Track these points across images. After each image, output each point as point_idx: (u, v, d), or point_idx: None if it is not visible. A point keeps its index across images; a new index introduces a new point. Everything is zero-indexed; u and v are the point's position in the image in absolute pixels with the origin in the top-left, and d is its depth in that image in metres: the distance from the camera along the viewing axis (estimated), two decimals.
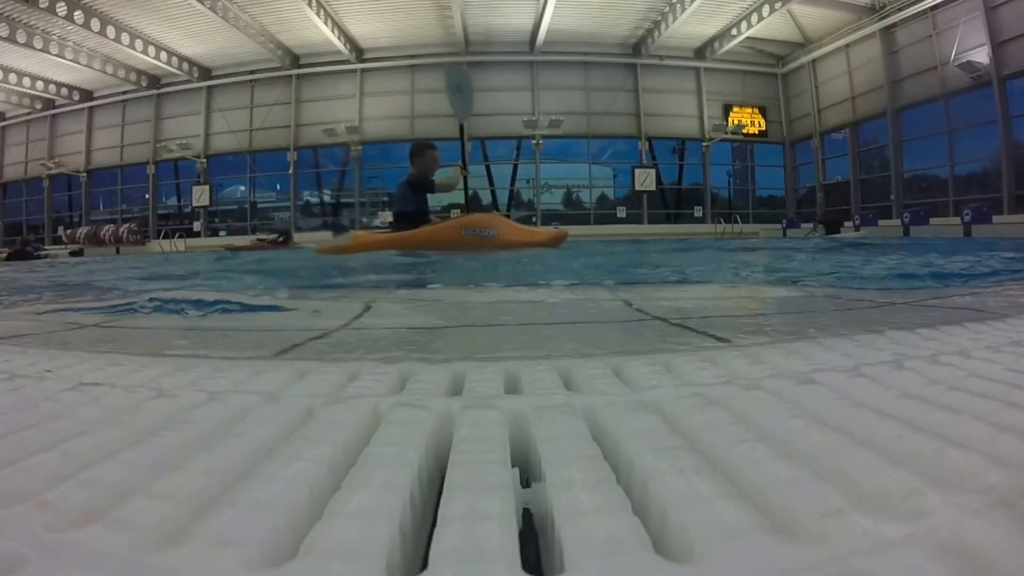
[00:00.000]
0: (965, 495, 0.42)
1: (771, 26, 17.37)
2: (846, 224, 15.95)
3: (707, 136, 20.32)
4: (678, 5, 16.15)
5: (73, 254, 15.87)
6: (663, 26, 17.39)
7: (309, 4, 15.22)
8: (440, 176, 5.61)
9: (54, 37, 16.24)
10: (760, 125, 21.00)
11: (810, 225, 16.13)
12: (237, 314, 1.86)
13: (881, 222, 15.28)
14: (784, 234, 16.92)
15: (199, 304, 1.91)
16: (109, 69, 18.71)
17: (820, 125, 19.77)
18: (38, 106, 21.37)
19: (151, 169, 21.17)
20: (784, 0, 15.66)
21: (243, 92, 20.43)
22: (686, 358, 0.90)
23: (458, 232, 5.04)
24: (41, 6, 13.78)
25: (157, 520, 0.41)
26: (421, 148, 5.49)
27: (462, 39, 18.35)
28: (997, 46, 14.07)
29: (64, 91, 20.57)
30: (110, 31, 15.85)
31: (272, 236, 14.03)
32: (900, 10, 16.03)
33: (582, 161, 20.39)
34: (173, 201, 22.10)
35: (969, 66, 14.47)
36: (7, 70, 18.29)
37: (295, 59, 19.66)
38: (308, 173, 20.95)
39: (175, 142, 20.08)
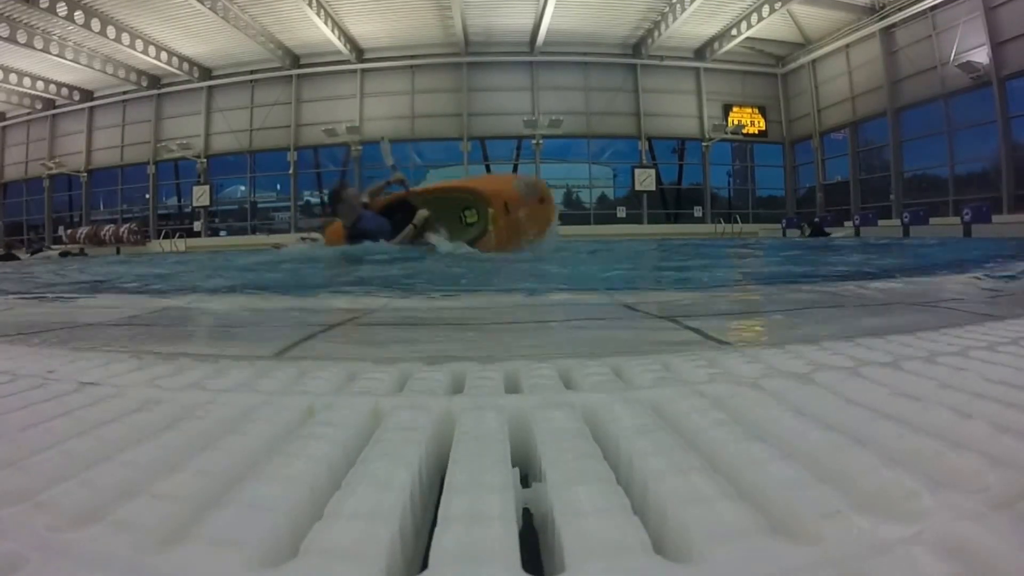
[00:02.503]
0: (965, 495, 0.42)
1: (771, 26, 17.36)
2: (846, 224, 15.97)
3: (707, 136, 20.31)
4: (678, 5, 16.15)
5: (74, 254, 15.84)
6: (663, 26, 17.38)
7: (309, 4, 15.21)
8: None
9: (54, 37, 16.23)
10: (760, 125, 20.98)
11: (805, 225, 16.32)
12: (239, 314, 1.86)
13: (881, 222, 15.28)
14: (784, 234, 16.96)
15: None
16: (109, 69, 18.70)
17: (820, 125, 19.76)
18: (38, 106, 21.35)
19: (151, 169, 21.16)
20: (784, 0, 15.65)
21: (243, 92, 20.42)
22: (686, 358, 0.90)
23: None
24: (41, 6, 13.77)
25: (157, 520, 0.41)
26: (337, 193, 4.73)
27: (462, 39, 18.33)
28: (997, 46, 14.06)
29: (64, 91, 20.56)
30: (110, 31, 15.84)
31: (315, 235, 14.14)
32: (900, 10, 16.02)
33: (582, 161, 20.38)
34: (173, 201, 22.08)
35: (969, 66, 14.46)
36: (7, 70, 18.27)
37: (295, 59, 19.65)
38: (308, 173, 20.94)
39: (175, 142, 20.07)
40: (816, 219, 16.09)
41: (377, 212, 4.82)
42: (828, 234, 14.20)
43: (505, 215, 4.65)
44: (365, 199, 4.86)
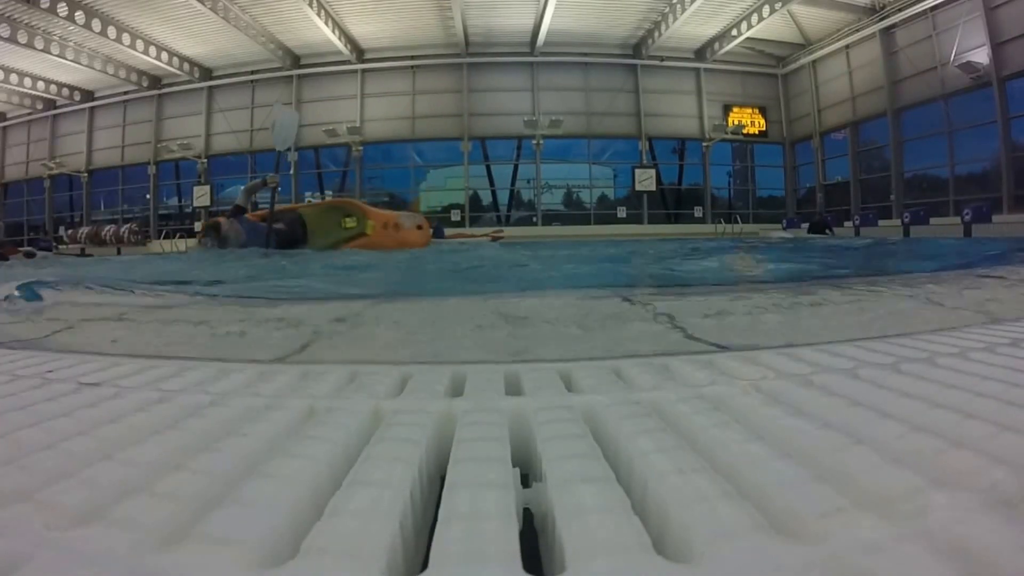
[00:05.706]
0: (965, 495, 0.42)
1: (771, 27, 17.34)
2: (846, 224, 15.99)
3: (707, 136, 20.30)
4: (678, 6, 16.14)
5: (86, 254, 15.75)
6: (663, 27, 17.38)
7: (309, 4, 15.21)
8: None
9: (55, 37, 16.23)
10: (760, 125, 20.97)
11: (806, 225, 16.40)
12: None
13: (881, 222, 15.27)
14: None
15: None
16: (110, 69, 18.71)
17: (820, 125, 19.75)
18: (39, 106, 21.36)
19: (152, 169, 21.17)
20: (784, 0, 15.65)
21: (244, 92, 20.42)
22: (685, 360, 0.90)
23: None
24: (42, 7, 13.78)
25: (157, 520, 0.41)
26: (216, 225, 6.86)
27: (462, 39, 18.34)
28: (997, 46, 14.05)
29: (65, 91, 20.57)
30: (111, 31, 15.85)
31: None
32: (900, 10, 16.01)
33: (582, 161, 20.37)
34: (174, 201, 22.08)
35: (969, 66, 14.45)
36: (8, 70, 18.28)
37: (296, 59, 19.65)
38: (310, 173, 20.94)
39: (176, 142, 20.07)
40: (808, 216, 16.28)
41: (259, 220, 6.91)
42: (831, 229, 14.42)
43: (382, 228, 7.14)
44: (241, 201, 7.63)
